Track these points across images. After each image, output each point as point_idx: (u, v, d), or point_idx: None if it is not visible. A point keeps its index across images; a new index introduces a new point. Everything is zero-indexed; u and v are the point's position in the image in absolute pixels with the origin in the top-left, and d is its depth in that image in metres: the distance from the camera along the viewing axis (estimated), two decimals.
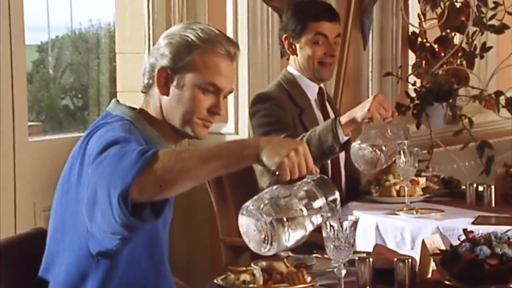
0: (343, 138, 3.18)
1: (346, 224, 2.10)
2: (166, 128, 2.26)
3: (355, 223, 2.11)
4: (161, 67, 2.23)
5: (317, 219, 1.99)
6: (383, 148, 3.02)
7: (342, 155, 3.63)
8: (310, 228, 1.97)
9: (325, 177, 2.05)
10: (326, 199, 1.99)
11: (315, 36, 3.50)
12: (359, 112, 3.14)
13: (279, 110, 3.44)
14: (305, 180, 1.99)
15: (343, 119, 3.19)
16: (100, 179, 1.92)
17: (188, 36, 2.23)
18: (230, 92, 2.30)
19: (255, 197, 1.98)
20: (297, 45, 3.54)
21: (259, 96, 3.54)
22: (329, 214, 2.00)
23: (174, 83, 2.22)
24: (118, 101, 2.29)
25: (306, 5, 3.60)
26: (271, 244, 1.91)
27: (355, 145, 3.01)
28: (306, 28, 3.50)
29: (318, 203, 1.98)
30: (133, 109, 2.28)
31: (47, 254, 2.23)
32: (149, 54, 2.30)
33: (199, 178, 1.94)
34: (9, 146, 3.45)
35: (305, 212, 1.95)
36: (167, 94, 2.23)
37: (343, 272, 2.14)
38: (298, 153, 1.96)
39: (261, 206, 1.93)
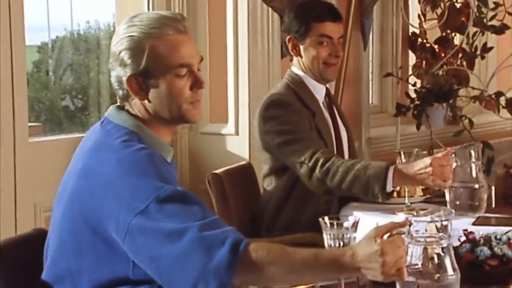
0: (390, 189, 3.16)
1: (346, 224, 2.10)
2: (159, 125, 2.23)
3: (355, 224, 2.11)
4: (128, 77, 2.18)
5: None
6: None
7: (346, 153, 3.63)
8: None
9: None
10: None
11: (320, 37, 3.48)
12: (422, 183, 3.11)
13: (298, 117, 3.39)
14: None
15: (402, 179, 3.13)
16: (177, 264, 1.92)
17: (133, 35, 2.17)
18: (200, 61, 2.24)
19: None
20: (301, 47, 3.51)
21: (273, 101, 3.45)
22: None
23: (148, 85, 2.18)
24: (117, 107, 2.25)
25: (309, 6, 3.59)
26: None
27: None
28: (310, 29, 3.48)
29: None
30: (121, 109, 2.24)
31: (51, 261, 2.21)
32: (110, 68, 2.24)
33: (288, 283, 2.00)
34: (10, 147, 3.45)
35: None
36: (147, 99, 2.19)
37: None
38: (387, 264, 1.89)
39: None
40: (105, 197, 2.03)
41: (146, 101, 2.20)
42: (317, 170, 3.25)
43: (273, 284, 1.95)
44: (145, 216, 1.96)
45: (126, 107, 2.25)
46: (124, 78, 2.19)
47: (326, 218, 2.13)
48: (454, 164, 3.10)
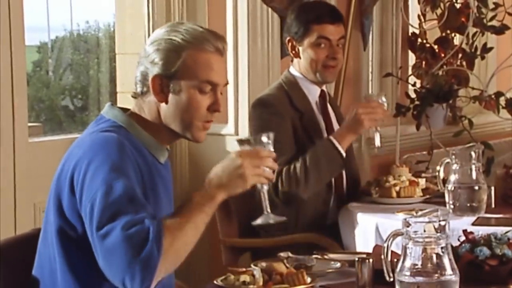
0: (344, 153, 3.38)
1: (260, 139, 2.18)
2: (162, 130, 2.26)
3: (268, 136, 2.19)
4: (155, 75, 2.22)
5: None
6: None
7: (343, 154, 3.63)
8: None
9: None
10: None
11: (318, 39, 3.48)
12: (357, 128, 3.38)
13: (277, 122, 3.42)
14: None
15: (343, 137, 3.37)
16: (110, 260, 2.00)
17: (174, 40, 2.21)
18: (225, 85, 2.30)
19: None
20: (300, 48, 3.52)
21: (259, 101, 3.52)
22: None
23: (171, 89, 2.22)
24: (112, 104, 2.29)
25: (309, 7, 3.59)
26: None
27: None
28: (308, 31, 3.48)
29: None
30: (126, 110, 2.28)
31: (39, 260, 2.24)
32: (138, 62, 2.28)
33: (194, 242, 2.11)
34: (9, 147, 3.45)
35: None
36: (166, 101, 2.23)
37: (265, 187, 2.21)
38: (245, 166, 2.10)
39: None
40: (72, 177, 2.10)
41: (163, 104, 2.23)
42: (279, 186, 3.34)
43: (188, 246, 2.08)
44: (91, 204, 2.03)
45: (133, 105, 2.28)
46: (151, 75, 2.22)
47: (241, 137, 2.20)
48: (385, 105, 3.43)
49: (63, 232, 2.13)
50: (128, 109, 2.29)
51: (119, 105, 2.34)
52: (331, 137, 3.38)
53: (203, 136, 2.29)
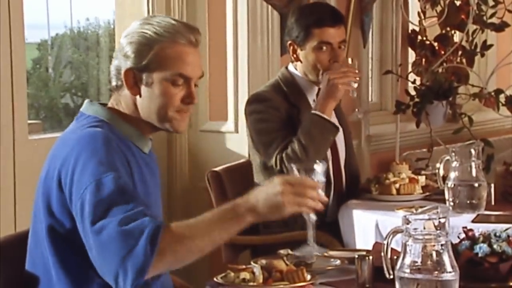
0: (330, 119, 3.44)
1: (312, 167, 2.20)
2: (141, 123, 2.26)
3: (321, 165, 2.21)
4: (127, 69, 2.22)
5: None
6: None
7: (342, 155, 3.63)
8: None
9: None
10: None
11: (319, 44, 3.46)
12: (334, 94, 3.40)
13: (275, 113, 3.44)
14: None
15: (324, 106, 3.41)
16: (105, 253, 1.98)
17: (146, 33, 2.21)
18: (200, 77, 2.28)
19: None
20: (302, 52, 3.50)
21: (254, 97, 3.54)
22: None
23: (143, 82, 2.21)
24: (91, 101, 2.29)
25: (309, 10, 3.57)
26: None
27: None
28: (309, 35, 3.46)
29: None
30: (105, 105, 2.28)
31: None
32: (113, 57, 2.28)
33: (204, 253, 2.05)
34: (9, 144, 3.45)
35: None
36: (139, 94, 2.22)
37: (312, 218, 2.24)
38: (284, 193, 2.05)
39: None
40: (60, 176, 2.11)
41: (137, 97, 2.23)
42: (284, 171, 3.34)
43: (195, 255, 2.03)
44: (81, 201, 2.02)
45: (111, 100, 2.29)
46: (123, 69, 2.22)
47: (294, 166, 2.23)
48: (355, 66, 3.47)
49: (53, 230, 2.13)
50: (106, 104, 2.30)
51: None
52: (313, 111, 3.42)
53: (183, 126, 2.26)
